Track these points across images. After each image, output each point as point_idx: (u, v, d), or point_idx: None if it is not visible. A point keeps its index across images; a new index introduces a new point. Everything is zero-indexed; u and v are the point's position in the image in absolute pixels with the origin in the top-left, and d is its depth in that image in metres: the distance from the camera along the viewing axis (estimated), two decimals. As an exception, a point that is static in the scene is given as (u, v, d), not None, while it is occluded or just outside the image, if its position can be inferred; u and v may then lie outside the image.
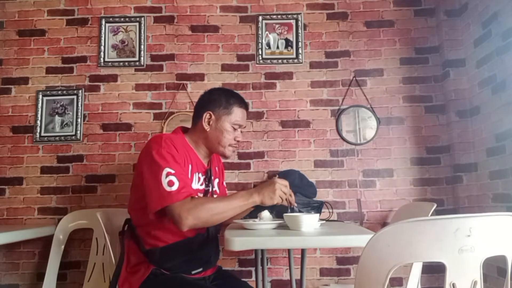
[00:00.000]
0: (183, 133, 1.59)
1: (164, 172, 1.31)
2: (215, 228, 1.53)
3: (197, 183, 1.51)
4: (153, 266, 1.39)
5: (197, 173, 1.52)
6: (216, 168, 1.71)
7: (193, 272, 1.45)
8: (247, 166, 2.35)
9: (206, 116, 1.53)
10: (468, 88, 2.27)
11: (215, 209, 1.30)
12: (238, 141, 1.58)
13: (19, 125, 2.39)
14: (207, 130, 1.53)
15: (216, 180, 1.67)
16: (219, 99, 1.55)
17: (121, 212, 2.08)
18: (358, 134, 2.36)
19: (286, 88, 2.42)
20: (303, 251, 2.00)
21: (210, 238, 1.50)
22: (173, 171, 1.31)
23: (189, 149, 1.53)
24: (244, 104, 1.59)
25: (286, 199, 1.43)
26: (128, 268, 1.42)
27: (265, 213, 1.49)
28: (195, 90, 2.40)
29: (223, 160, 1.85)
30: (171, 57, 2.44)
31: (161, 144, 1.38)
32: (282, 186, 1.36)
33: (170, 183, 1.29)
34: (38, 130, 2.37)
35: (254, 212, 1.54)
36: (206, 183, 1.57)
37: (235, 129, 1.55)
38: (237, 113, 1.55)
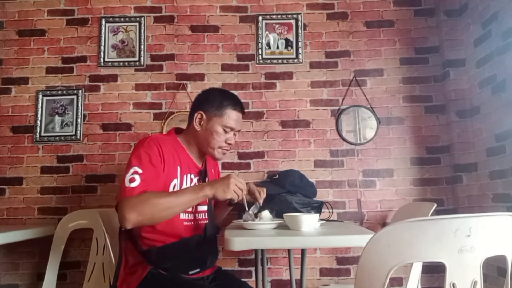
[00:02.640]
0: (176, 134, 1.58)
1: (132, 170, 1.31)
2: (213, 229, 1.52)
3: (189, 184, 1.49)
4: (150, 266, 1.38)
5: (188, 174, 1.50)
6: (212, 170, 1.69)
7: (190, 272, 1.44)
8: (247, 166, 2.35)
9: (197, 116, 1.52)
10: (468, 88, 2.27)
11: (161, 204, 1.26)
12: (229, 144, 1.54)
13: (19, 125, 2.39)
14: (198, 130, 1.51)
15: None
16: (213, 99, 1.53)
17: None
18: (358, 134, 2.36)
19: (286, 88, 2.42)
20: (303, 251, 2.01)
21: (208, 238, 1.50)
22: (140, 171, 1.30)
23: (181, 150, 1.51)
24: (239, 107, 1.55)
25: (256, 197, 1.43)
26: (126, 268, 1.42)
27: (265, 213, 1.49)
28: (195, 90, 2.39)
29: (222, 160, 1.85)
30: (171, 57, 2.44)
31: (143, 144, 1.39)
32: (237, 182, 1.32)
33: (132, 180, 1.28)
34: (38, 130, 2.37)
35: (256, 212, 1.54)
36: (200, 183, 1.56)
37: (226, 132, 1.52)
38: (230, 116, 1.51)
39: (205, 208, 1.54)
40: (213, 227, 1.53)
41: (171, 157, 1.43)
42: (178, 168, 1.46)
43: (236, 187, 1.31)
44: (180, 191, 1.34)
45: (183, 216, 1.48)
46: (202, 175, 1.57)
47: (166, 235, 1.41)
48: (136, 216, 1.23)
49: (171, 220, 1.39)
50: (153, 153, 1.36)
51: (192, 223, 1.51)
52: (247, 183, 1.55)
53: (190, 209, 1.50)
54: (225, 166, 2.31)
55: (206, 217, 1.54)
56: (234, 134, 1.58)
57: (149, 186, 1.30)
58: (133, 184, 1.28)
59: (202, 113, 1.52)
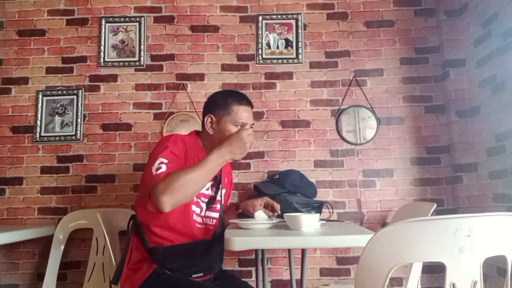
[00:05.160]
0: (196, 135, 1.59)
1: (157, 162, 1.32)
2: (221, 231, 1.52)
3: (204, 188, 1.49)
4: (156, 265, 1.39)
5: None
6: (226, 179, 1.70)
7: (194, 276, 1.45)
8: (247, 166, 2.35)
9: (207, 120, 1.53)
10: (468, 88, 2.27)
11: (191, 180, 1.26)
12: None
13: (19, 125, 2.39)
14: (211, 133, 1.52)
15: (223, 190, 1.65)
16: (218, 101, 1.55)
17: (121, 212, 2.08)
18: (358, 134, 2.36)
19: (286, 88, 2.41)
20: (303, 251, 2.00)
21: (216, 243, 1.50)
22: (165, 161, 1.32)
23: (201, 152, 1.52)
24: (244, 101, 1.55)
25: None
26: (130, 265, 1.42)
27: (259, 213, 1.50)
28: (195, 90, 2.40)
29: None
30: (171, 57, 2.44)
31: (168, 140, 1.41)
32: (248, 136, 1.35)
33: (158, 169, 1.30)
34: (38, 130, 2.37)
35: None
36: (214, 189, 1.56)
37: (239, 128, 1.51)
38: (237, 111, 1.51)
39: (216, 215, 1.56)
40: (222, 233, 1.53)
41: (191, 156, 1.44)
42: None
43: (249, 140, 1.35)
44: (201, 162, 1.33)
45: (196, 217, 1.49)
46: (217, 181, 1.57)
47: (176, 233, 1.41)
48: (169, 198, 1.23)
49: (183, 216, 1.42)
50: (177, 148, 1.39)
51: (203, 226, 1.51)
52: (262, 198, 1.64)
53: (202, 214, 1.51)
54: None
55: (216, 223, 1.55)
56: (251, 127, 1.56)
57: (172, 169, 1.31)
58: (160, 171, 1.29)
59: (212, 116, 1.53)
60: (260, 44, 2.44)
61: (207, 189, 1.53)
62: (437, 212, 2.06)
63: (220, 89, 2.37)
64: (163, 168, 1.30)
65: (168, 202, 1.23)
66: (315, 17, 2.48)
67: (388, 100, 2.40)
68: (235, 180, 2.32)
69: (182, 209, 1.41)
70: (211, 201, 1.54)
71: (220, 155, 1.33)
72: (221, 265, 1.62)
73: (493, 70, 2.03)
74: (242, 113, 1.52)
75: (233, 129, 1.50)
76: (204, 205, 1.52)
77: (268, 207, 1.62)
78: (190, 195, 1.32)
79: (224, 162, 1.35)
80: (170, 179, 1.25)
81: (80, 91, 2.40)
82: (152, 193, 1.26)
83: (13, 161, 2.35)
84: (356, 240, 1.24)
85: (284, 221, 1.42)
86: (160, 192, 1.22)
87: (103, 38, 2.45)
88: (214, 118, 1.52)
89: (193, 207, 1.47)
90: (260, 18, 2.46)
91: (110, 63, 2.43)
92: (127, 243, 1.47)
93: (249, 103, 1.57)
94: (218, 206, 1.58)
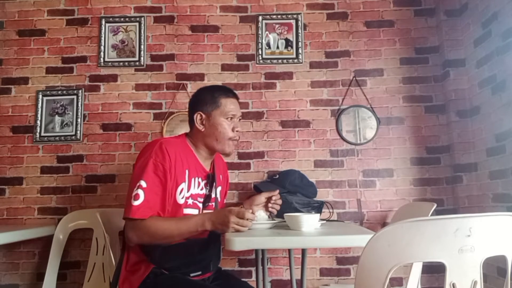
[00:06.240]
0: (185, 137, 1.58)
1: (138, 184, 1.34)
2: (218, 234, 1.52)
3: (196, 188, 1.50)
4: (153, 265, 1.39)
5: (196, 178, 1.50)
6: (221, 176, 1.69)
7: (192, 275, 1.45)
8: (247, 166, 2.35)
9: (197, 117, 1.53)
10: (468, 88, 2.27)
11: (161, 234, 1.34)
12: (237, 131, 1.55)
13: (19, 125, 2.39)
14: (202, 130, 1.52)
15: (219, 188, 1.65)
16: (204, 97, 1.55)
17: (121, 212, 2.07)
18: (358, 134, 2.36)
19: (286, 88, 2.41)
20: (303, 251, 2.00)
21: (212, 241, 1.50)
22: (144, 185, 1.33)
23: (189, 153, 1.52)
24: (231, 93, 1.57)
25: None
26: (128, 266, 1.42)
27: (260, 213, 1.50)
28: (195, 90, 2.36)
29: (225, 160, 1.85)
30: (171, 57, 2.44)
31: (151, 152, 1.39)
32: (237, 221, 1.29)
33: (136, 197, 1.32)
34: (38, 130, 2.37)
35: None
36: (208, 188, 1.56)
37: (229, 120, 1.53)
38: (226, 104, 1.53)
39: None
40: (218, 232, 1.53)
41: (179, 160, 1.43)
42: (187, 171, 1.46)
43: (235, 225, 1.29)
44: (181, 221, 1.38)
45: None
46: (210, 179, 1.57)
47: None
48: (136, 240, 1.36)
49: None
50: (159, 162, 1.37)
51: None
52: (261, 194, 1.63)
53: (197, 213, 1.51)
54: (225, 166, 2.31)
55: None
56: (239, 120, 1.59)
57: (151, 203, 1.34)
58: (137, 202, 1.32)
59: (201, 113, 1.53)
60: (260, 44, 2.44)
61: (201, 189, 1.53)
62: (437, 212, 2.06)
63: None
64: (141, 198, 1.32)
65: (133, 242, 1.37)
66: (315, 17, 2.48)
67: (388, 100, 2.40)
68: (235, 180, 2.32)
69: (175, 213, 1.42)
70: (207, 200, 1.55)
71: (202, 220, 1.35)
72: (219, 263, 1.62)
73: (493, 70, 2.03)
74: (230, 105, 1.54)
75: (224, 122, 1.52)
76: (201, 205, 1.53)
77: (269, 200, 1.64)
78: (158, 243, 1.38)
79: (202, 228, 1.34)
80: (144, 226, 1.33)
81: (80, 91, 2.40)
82: (125, 224, 1.37)
83: (13, 161, 2.35)
84: (356, 240, 1.24)
85: (284, 221, 1.42)
86: (130, 232, 1.35)
87: (103, 38, 2.45)
88: (203, 115, 1.53)
89: (189, 210, 1.47)
90: (260, 18, 2.46)
91: (110, 63, 2.43)
92: (123, 244, 1.47)
93: (235, 96, 1.59)
94: (214, 204, 1.58)
